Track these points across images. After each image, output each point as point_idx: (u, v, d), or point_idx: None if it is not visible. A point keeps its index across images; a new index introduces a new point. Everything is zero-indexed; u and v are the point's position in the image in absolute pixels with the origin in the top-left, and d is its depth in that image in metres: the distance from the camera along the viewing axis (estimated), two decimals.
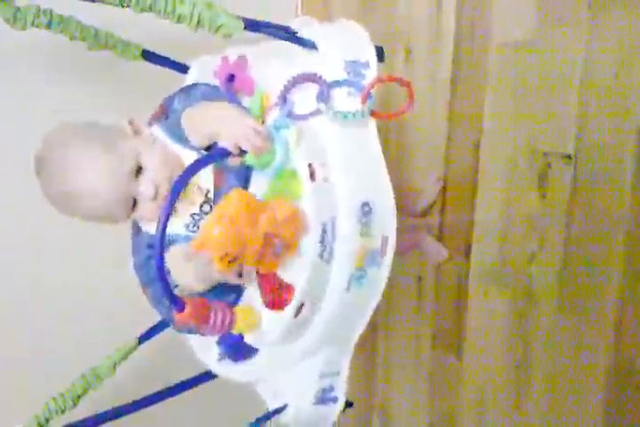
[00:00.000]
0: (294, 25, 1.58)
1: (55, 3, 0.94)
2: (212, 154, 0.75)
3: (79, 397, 1.06)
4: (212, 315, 0.70)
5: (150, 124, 0.95)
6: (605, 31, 1.08)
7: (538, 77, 1.17)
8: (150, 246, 0.97)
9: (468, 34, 1.31)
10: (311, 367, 0.80)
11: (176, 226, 0.83)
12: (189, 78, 1.08)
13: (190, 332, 0.91)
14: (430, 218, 1.40)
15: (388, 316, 1.50)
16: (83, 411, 1.00)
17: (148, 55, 1.16)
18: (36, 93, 1.26)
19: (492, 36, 1.25)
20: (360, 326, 0.80)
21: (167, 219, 0.64)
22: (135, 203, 0.81)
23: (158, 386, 1.08)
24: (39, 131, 0.83)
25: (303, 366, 0.81)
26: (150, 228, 0.88)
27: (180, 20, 0.80)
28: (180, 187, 0.66)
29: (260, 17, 1.45)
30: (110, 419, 1.03)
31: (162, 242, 0.64)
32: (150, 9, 0.79)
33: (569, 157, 1.14)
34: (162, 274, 0.65)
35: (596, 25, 1.08)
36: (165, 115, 0.98)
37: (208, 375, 1.01)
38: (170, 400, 1.06)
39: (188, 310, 0.68)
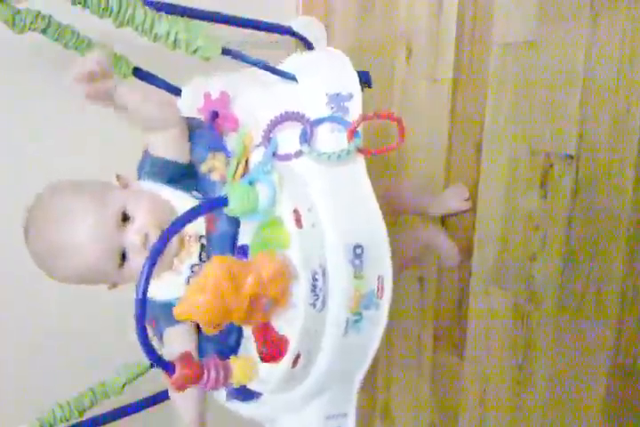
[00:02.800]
0: (295, 25, 1.54)
1: (57, 11, 0.94)
2: (204, 205, 0.73)
3: (84, 410, 1.09)
4: (205, 372, 0.69)
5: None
6: (607, 31, 1.03)
7: (539, 77, 1.13)
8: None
9: (469, 34, 1.27)
10: (317, 409, 0.79)
11: (177, 288, 0.80)
12: (182, 103, 1.05)
13: None
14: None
15: (389, 316, 1.50)
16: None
17: (140, 73, 1.14)
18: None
19: (493, 35, 1.21)
20: (363, 367, 0.78)
21: (152, 267, 0.63)
22: (124, 258, 0.79)
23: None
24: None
25: (309, 408, 0.80)
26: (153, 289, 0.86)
27: (156, 39, 0.79)
28: (169, 234, 0.65)
29: (260, 16, 1.42)
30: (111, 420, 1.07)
31: (144, 294, 0.63)
32: (128, 24, 0.78)
33: (570, 157, 1.10)
34: (144, 339, 0.64)
35: (598, 25, 1.04)
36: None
37: None
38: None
39: (178, 372, 0.67)
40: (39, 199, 0.81)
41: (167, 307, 0.81)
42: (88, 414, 1.08)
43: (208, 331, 0.66)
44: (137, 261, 0.78)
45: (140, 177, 0.87)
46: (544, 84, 1.12)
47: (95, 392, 1.11)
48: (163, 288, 0.82)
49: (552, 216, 1.13)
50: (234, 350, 0.82)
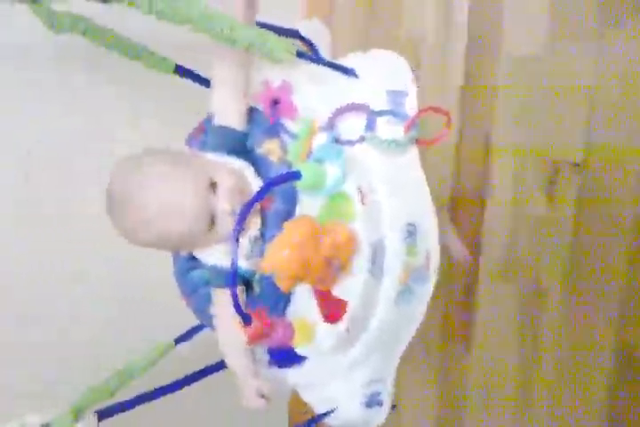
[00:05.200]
0: (301, 27, 1.62)
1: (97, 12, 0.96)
2: (280, 177, 0.79)
3: (112, 393, 1.11)
4: (275, 329, 0.76)
5: (191, 145, 0.99)
6: (614, 47, 1.16)
7: (548, 89, 1.24)
8: (192, 257, 1.02)
9: (479, 45, 1.36)
10: (361, 374, 0.87)
11: (228, 256, 0.83)
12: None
13: None
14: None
15: None
16: None
17: (181, 70, 1.21)
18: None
19: (503, 48, 1.31)
20: (407, 337, 0.86)
21: (238, 234, 0.70)
22: (212, 222, 0.83)
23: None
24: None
25: (353, 372, 0.87)
26: (205, 255, 0.92)
27: (234, 44, 0.83)
28: (255, 201, 0.72)
29: (263, 18, 1.49)
30: (141, 403, 1.09)
31: (236, 253, 0.70)
32: (206, 31, 0.82)
33: (577, 165, 1.21)
34: (235, 292, 0.70)
35: (606, 41, 1.15)
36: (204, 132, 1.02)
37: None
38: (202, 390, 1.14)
39: (255, 325, 0.74)
40: (127, 169, 0.84)
41: (216, 270, 0.91)
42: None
43: (285, 285, 0.73)
44: (224, 224, 0.83)
45: (201, 148, 0.92)
46: (552, 95, 1.23)
47: (120, 375, 1.13)
48: (216, 254, 0.90)
49: (558, 219, 1.24)
50: (281, 313, 0.88)
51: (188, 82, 1.16)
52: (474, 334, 1.43)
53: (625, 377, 1.19)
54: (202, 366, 1.17)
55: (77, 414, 1.01)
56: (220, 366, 1.18)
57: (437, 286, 1.47)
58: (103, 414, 1.00)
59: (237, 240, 0.70)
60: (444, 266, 1.46)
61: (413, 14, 1.48)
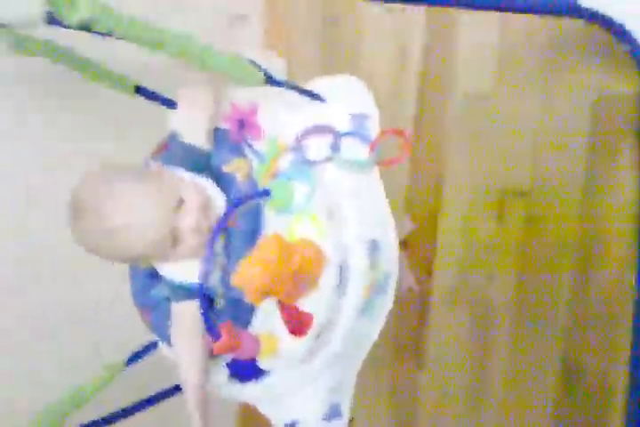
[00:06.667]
0: (252, 56, 1.66)
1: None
2: (251, 194, 0.83)
3: (60, 420, 1.08)
4: (242, 343, 0.78)
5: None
6: (557, 89, 1.27)
7: (497, 124, 1.35)
8: (151, 276, 1.03)
9: (432, 82, 1.46)
10: (320, 386, 0.89)
11: (189, 273, 0.88)
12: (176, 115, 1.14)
13: None
14: None
15: None
16: None
17: (141, 91, 1.22)
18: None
19: (455, 85, 1.41)
20: (366, 347, 0.90)
21: (212, 252, 0.73)
22: (176, 238, 0.85)
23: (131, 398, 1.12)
24: None
25: (313, 385, 0.89)
26: (167, 270, 0.93)
27: (205, 69, 0.86)
28: (223, 224, 0.74)
29: (224, 48, 1.53)
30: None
31: (207, 272, 0.72)
32: (183, 55, 0.84)
33: (523, 193, 1.31)
34: (205, 303, 0.73)
35: (550, 84, 1.27)
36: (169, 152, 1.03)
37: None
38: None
39: (224, 338, 0.76)
40: (97, 179, 0.85)
41: (179, 286, 0.92)
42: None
43: (255, 300, 0.75)
44: (187, 242, 0.85)
45: (165, 163, 0.94)
46: (501, 129, 1.35)
47: (65, 402, 1.09)
48: (179, 270, 0.91)
49: (507, 243, 1.33)
50: (245, 327, 0.90)
51: (144, 102, 1.18)
52: (425, 353, 1.48)
53: (570, 393, 1.27)
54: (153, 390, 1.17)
55: None
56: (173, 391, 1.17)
57: (392, 304, 1.53)
58: None
59: (212, 255, 0.72)
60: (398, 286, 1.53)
61: (369, 50, 1.55)
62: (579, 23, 1.25)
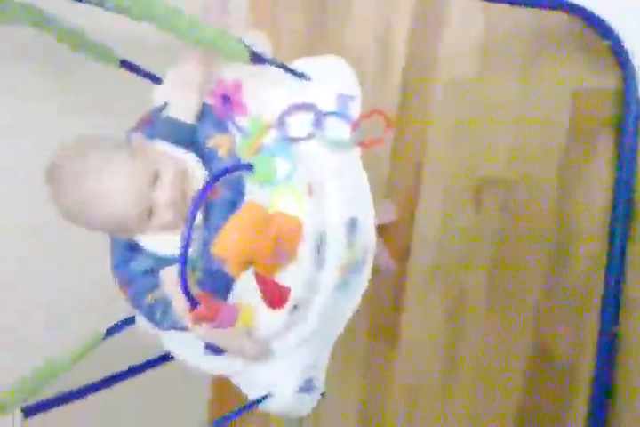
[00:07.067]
0: (247, 39, 1.67)
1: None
2: (232, 166, 0.84)
3: (34, 390, 1.08)
4: (219, 312, 0.79)
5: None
6: (539, 79, 1.30)
7: (478, 111, 1.37)
8: (131, 248, 1.04)
9: (416, 68, 1.48)
10: (295, 360, 0.91)
11: (171, 246, 0.87)
12: (164, 88, 1.15)
13: (174, 328, 0.98)
14: None
15: None
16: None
17: (125, 64, 1.22)
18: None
19: (437, 71, 1.43)
20: (341, 324, 0.91)
21: (193, 222, 0.73)
22: (150, 213, 0.86)
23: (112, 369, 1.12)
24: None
25: (288, 359, 0.91)
26: (148, 243, 0.94)
27: (195, 42, 0.86)
28: (206, 191, 0.75)
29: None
30: (68, 401, 1.06)
31: (188, 239, 0.73)
32: (172, 30, 0.84)
33: (501, 181, 1.33)
34: (183, 273, 0.73)
35: (532, 74, 1.30)
36: (152, 126, 1.04)
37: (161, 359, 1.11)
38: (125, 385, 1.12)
39: (202, 307, 0.77)
40: (73, 151, 0.86)
41: (161, 258, 0.94)
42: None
43: (234, 270, 0.77)
44: (163, 215, 0.86)
45: (147, 136, 0.95)
46: (482, 117, 1.37)
47: (44, 370, 1.10)
48: (161, 244, 0.92)
49: (483, 231, 1.36)
50: (225, 297, 0.91)
51: (127, 75, 1.18)
52: (399, 333, 1.51)
53: (538, 377, 1.31)
54: (130, 362, 1.18)
55: (1, 410, 0.99)
56: (151, 363, 1.19)
57: (368, 284, 1.56)
58: (29, 411, 0.98)
59: (191, 228, 0.73)
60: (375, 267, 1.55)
61: (356, 33, 1.56)
62: (563, 16, 1.27)
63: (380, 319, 1.55)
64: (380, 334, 1.55)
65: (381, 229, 1.49)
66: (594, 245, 1.28)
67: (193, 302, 0.76)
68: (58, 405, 1.05)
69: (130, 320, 1.17)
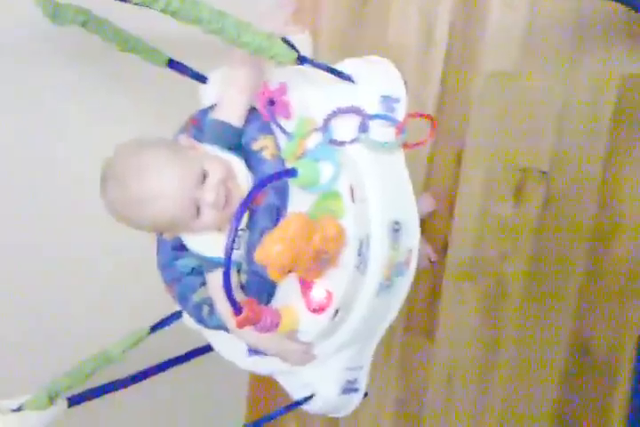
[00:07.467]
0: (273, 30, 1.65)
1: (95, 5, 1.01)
2: (277, 173, 0.84)
3: (87, 376, 1.13)
4: (263, 317, 0.80)
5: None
6: (581, 69, 1.26)
7: (520, 103, 1.34)
8: (177, 248, 1.06)
9: (457, 61, 1.44)
10: (339, 362, 0.92)
11: (216, 248, 0.88)
12: (210, 89, 1.16)
13: (221, 328, 1.00)
14: None
15: None
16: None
17: (173, 64, 1.24)
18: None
19: (478, 64, 1.40)
20: (384, 327, 0.92)
21: (236, 233, 0.74)
22: (197, 211, 0.88)
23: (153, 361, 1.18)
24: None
25: (332, 360, 0.92)
26: (194, 244, 0.96)
27: (241, 46, 0.86)
28: (253, 194, 0.76)
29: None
30: (110, 391, 1.11)
31: (231, 251, 0.74)
32: (218, 33, 0.85)
33: (543, 172, 1.31)
34: (227, 279, 0.74)
35: (575, 65, 1.27)
36: (198, 127, 1.06)
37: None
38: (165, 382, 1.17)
39: (245, 312, 0.78)
40: (126, 151, 0.89)
41: (209, 260, 0.95)
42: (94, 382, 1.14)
43: (275, 277, 0.77)
44: (208, 215, 0.88)
45: (194, 138, 0.97)
46: (523, 108, 1.33)
47: (96, 358, 1.15)
48: (207, 245, 0.94)
49: (523, 224, 1.34)
50: (268, 300, 0.93)
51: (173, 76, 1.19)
52: (436, 328, 1.51)
53: (577, 371, 1.28)
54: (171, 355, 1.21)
55: (51, 397, 1.03)
56: (189, 355, 1.22)
57: None
58: (73, 401, 1.02)
59: (237, 230, 0.74)
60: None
61: (397, 27, 1.54)
62: (605, 3, 1.22)
63: (416, 313, 1.55)
64: (417, 328, 1.55)
65: (420, 223, 1.49)
66: (636, 238, 1.24)
67: (237, 308, 0.77)
68: (101, 395, 1.10)
69: (174, 316, 1.20)
